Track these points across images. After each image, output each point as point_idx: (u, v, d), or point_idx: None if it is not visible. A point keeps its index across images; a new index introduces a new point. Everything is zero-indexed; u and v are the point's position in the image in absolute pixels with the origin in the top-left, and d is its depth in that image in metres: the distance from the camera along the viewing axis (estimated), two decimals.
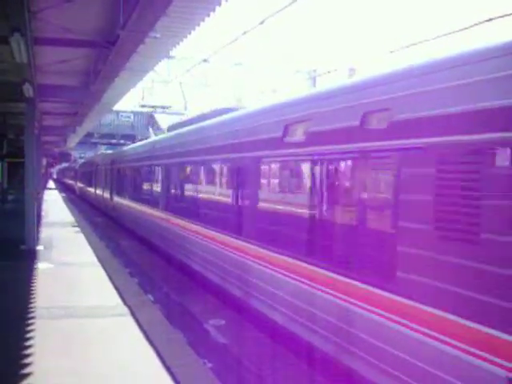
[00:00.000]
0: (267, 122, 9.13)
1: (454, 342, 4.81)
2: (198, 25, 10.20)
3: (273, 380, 7.64)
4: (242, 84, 25.50)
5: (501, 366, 4.34)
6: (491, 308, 4.50)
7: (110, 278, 11.88)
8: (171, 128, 19.44)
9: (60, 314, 8.93)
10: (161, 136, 20.82)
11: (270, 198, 9.11)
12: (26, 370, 6.36)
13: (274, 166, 9.18)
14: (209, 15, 9.31)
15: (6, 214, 26.70)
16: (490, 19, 10.40)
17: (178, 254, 14.33)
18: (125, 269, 14.56)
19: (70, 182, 64.30)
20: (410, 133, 5.49)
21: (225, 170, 11.45)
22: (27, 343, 7.34)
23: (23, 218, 15.95)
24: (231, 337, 9.38)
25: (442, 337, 4.94)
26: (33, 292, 10.38)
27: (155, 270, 15.39)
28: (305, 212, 7.80)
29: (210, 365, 7.70)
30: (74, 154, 66.26)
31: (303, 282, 7.49)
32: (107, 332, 8.10)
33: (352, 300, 6.35)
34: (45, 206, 32.03)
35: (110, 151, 38.11)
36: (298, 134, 8.05)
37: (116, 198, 25.84)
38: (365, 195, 6.46)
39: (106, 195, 29.06)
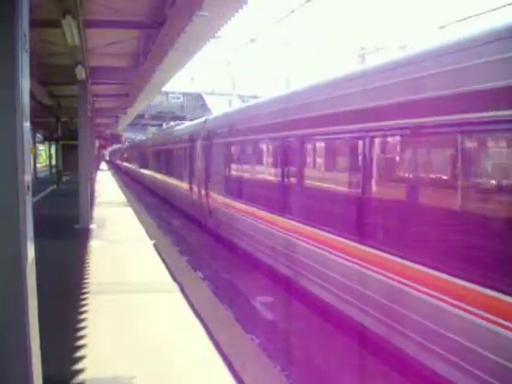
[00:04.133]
0: None
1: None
2: (246, 3, 10.17)
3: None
4: (290, 63, 25.36)
5: None
6: None
7: (160, 256, 12.10)
8: (159, 130, 41.73)
9: (111, 290, 9.17)
10: (155, 134, 43.62)
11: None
12: (80, 343, 6.59)
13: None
14: None
15: (61, 195, 27.52)
16: None
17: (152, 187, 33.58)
18: (175, 247, 14.81)
19: (118, 162, 79.17)
20: None
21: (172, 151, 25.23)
22: (81, 317, 7.59)
23: (77, 199, 16.41)
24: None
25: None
26: (86, 269, 10.68)
27: (204, 249, 15.60)
28: None
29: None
30: (125, 135, 67.41)
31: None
32: (156, 307, 8.29)
33: None
34: (97, 187, 32.77)
35: (144, 137, 53.11)
36: None
37: (142, 170, 41.25)
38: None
39: (138, 168, 44.98)
